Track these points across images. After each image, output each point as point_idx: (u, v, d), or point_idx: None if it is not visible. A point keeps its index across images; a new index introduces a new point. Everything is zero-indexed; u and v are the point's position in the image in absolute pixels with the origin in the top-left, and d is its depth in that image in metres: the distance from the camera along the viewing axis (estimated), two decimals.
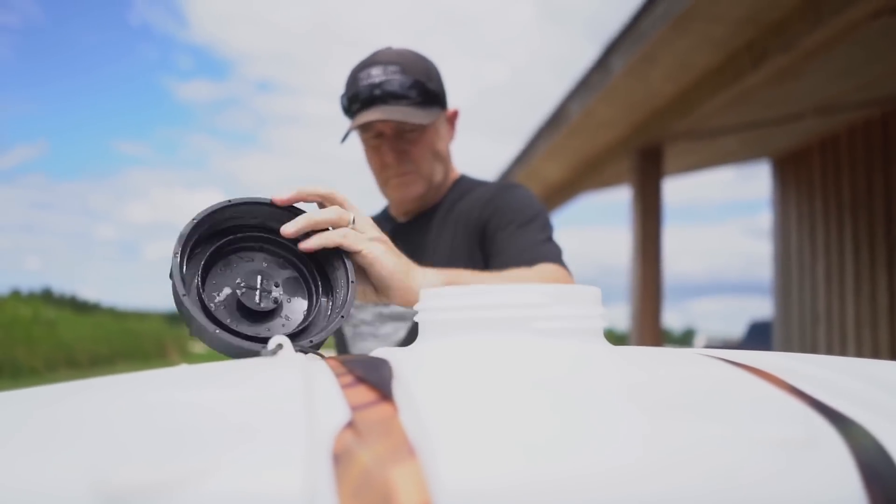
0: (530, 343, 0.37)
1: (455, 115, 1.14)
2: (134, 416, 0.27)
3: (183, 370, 0.36)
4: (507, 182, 1.14)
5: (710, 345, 10.78)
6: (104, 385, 0.33)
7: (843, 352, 4.15)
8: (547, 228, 1.02)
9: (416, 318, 0.43)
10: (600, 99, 3.52)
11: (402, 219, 1.18)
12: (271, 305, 0.52)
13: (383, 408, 0.29)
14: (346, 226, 0.61)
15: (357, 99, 1.03)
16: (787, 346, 4.73)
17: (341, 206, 0.64)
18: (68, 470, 0.23)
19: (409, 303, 0.64)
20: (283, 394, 0.30)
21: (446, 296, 0.40)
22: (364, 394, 0.31)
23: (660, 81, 3.30)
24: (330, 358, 0.40)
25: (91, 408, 0.28)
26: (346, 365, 0.37)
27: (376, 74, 1.02)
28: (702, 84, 3.23)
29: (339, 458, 0.24)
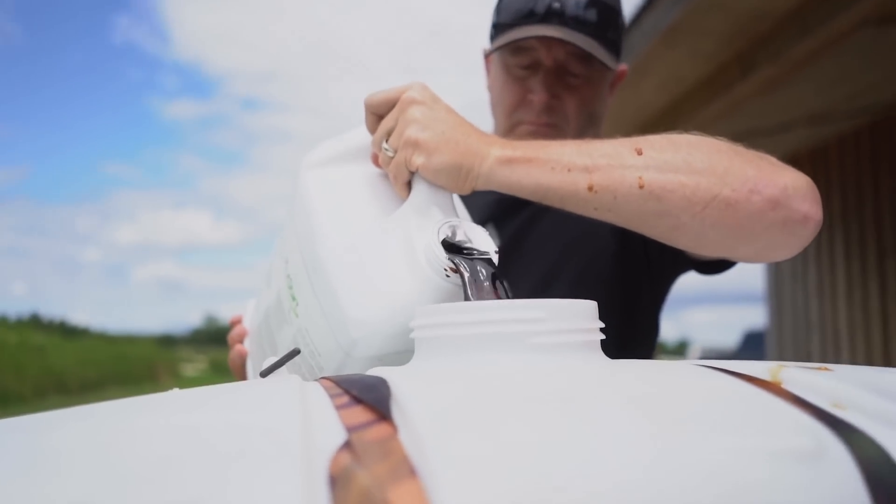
0: (528, 360, 0.37)
1: (623, 75, 0.88)
2: (123, 443, 0.26)
3: (174, 395, 0.36)
4: None
5: (705, 355, 10.78)
6: (92, 412, 0.32)
7: (837, 359, 4.15)
8: None
9: (411, 336, 0.42)
10: None
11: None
12: None
13: (381, 428, 0.28)
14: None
15: (525, 12, 0.78)
16: (781, 355, 4.73)
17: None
18: (54, 502, 0.22)
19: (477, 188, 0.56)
20: (276, 416, 0.29)
21: (441, 313, 0.40)
22: (360, 414, 0.30)
23: (651, 93, 3.33)
24: (324, 379, 0.40)
25: (78, 436, 0.28)
26: (341, 385, 0.36)
27: None
28: (692, 95, 3.26)
29: (337, 480, 0.24)
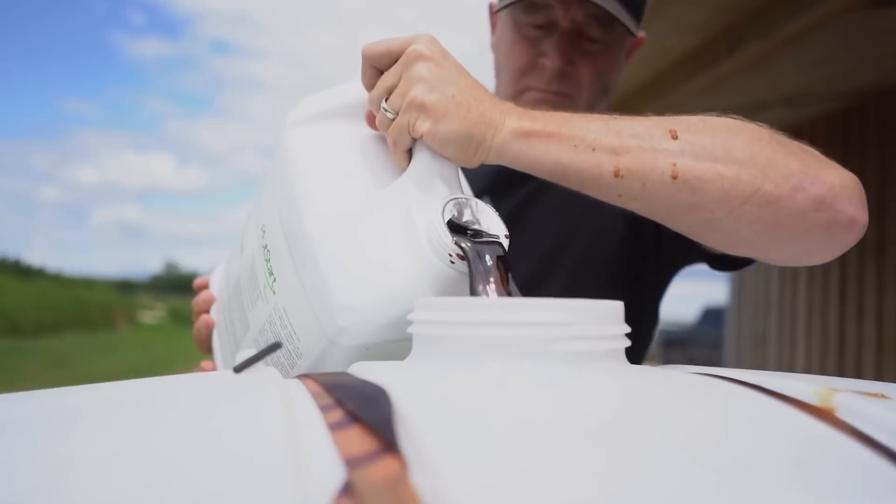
0: (552, 372, 0.32)
1: (641, 42, 0.81)
2: (66, 474, 0.21)
3: (136, 392, 0.30)
4: None
5: (664, 328, 10.96)
6: (32, 414, 0.26)
7: (792, 339, 4.23)
8: None
9: (410, 330, 0.37)
10: None
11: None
12: None
13: (388, 463, 0.23)
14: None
15: None
16: (739, 333, 4.81)
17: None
18: None
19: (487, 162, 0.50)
20: (258, 441, 0.24)
21: (449, 308, 0.34)
22: (360, 440, 0.25)
23: (635, 64, 3.26)
24: (308, 378, 0.34)
25: (16, 454, 0.22)
26: (331, 392, 0.31)
27: None
28: (676, 69, 3.21)
29: None
